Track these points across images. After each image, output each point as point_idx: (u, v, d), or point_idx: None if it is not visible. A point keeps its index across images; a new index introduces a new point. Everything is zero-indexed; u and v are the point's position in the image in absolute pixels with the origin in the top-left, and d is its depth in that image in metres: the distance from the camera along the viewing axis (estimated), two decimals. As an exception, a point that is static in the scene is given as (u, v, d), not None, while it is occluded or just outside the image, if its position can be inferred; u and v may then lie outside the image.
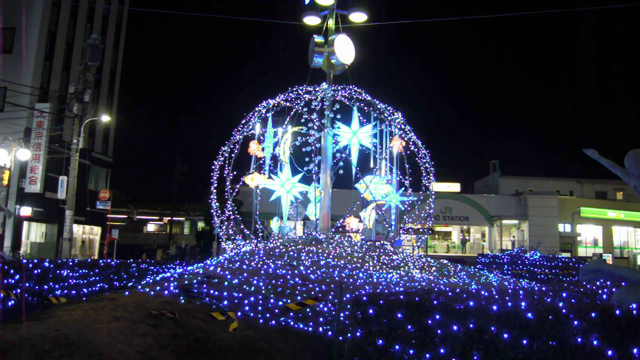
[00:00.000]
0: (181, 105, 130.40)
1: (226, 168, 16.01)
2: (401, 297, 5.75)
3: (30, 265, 9.54)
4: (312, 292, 9.28)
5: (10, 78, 27.51)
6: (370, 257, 13.14)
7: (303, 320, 8.05)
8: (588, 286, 8.01)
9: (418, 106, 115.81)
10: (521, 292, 7.01)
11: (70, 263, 10.83)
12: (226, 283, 9.19)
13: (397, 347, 5.27)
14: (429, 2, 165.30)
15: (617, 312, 4.64)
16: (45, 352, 5.27)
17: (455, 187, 46.19)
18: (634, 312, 4.68)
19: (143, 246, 45.58)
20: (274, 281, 9.58)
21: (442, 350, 4.98)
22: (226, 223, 15.65)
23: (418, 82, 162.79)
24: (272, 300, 8.55)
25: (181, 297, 8.05)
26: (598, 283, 7.98)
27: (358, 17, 16.29)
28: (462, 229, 46.12)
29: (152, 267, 13.37)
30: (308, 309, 8.22)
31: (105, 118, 30.43)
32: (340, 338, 6.40)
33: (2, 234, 27.63)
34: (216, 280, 9.35)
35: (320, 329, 7.96)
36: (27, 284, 8.88)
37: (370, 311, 5.58)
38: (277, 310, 8.10)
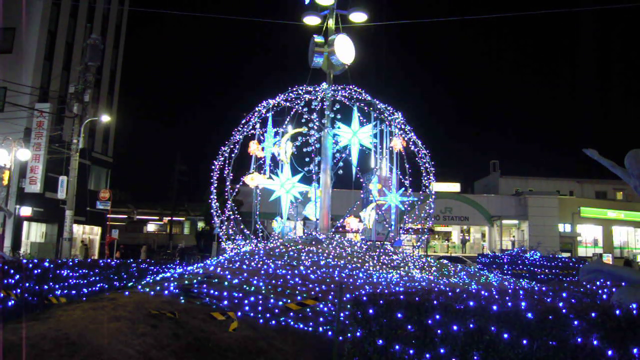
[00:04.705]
0: (181, 105, 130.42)
1: (226, 168, 16.01)
2: (401, 297, 5.74)
3: (30, 265, 9.51)
4: (312, 292, 9.28)
5: (10, 78, 27.53)
6: (370, 257, 13.14)
7: (303, 320, 8.05)
8: (588, 286, 8.00)
9: (418, 106, 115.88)
10: (521, 292, 7.00)
11: (70, 263, 10.82)
12: (226, 283, 9.19)
13: (397, 347, 5.27)
14: (429, 2, 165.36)
15: (617, 312, 4.63)
16: (45, 352, 5.27)
17: (455, 187, 46.22)
18: (634, 312, 4.67)
19: (136, 245, 45.13)
20: (274, 281, 9.58)
21: (442, 350, 4.97)
22: (226, 223, 15.65)
23: (418, 82, 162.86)
24: (272, 300, 8.55)
25: (181, 297, 8.05)
26: (598, 283, 7.98)
27: (358, 17, 16.29)
28: (462, 229, 46.12)
29: (152, 267, 13.37)
30: (308, 309, 8.22)
31: (105, 118, 30.43)
32: (340, 338, 6.40)
33: (2, 234, 27.61)
34: (216, 280, 9.35)
35: (320, 329, 7.95)
36: (27, 284, 8.87)
37: (370, 311, 5.57)
38: (277, 310, 8.10)
